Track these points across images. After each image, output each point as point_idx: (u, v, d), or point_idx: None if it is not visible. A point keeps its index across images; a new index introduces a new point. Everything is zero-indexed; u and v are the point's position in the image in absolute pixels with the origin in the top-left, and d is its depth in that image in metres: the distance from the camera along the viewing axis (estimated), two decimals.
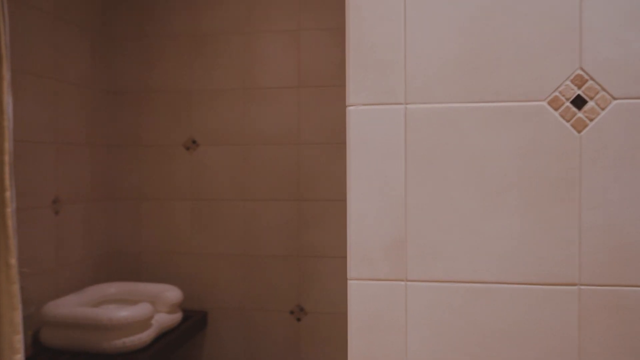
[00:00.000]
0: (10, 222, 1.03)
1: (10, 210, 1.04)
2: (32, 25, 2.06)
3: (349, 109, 0.81)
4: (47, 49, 2.14)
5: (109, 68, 2.59)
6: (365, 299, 0.82)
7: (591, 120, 0.74)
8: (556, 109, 0.75)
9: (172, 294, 2.24)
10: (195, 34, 2.55)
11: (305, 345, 2.52)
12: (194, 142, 2.57)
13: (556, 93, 0.75)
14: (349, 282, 0.82)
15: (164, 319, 2.15)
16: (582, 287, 0.75)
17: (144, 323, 1.99)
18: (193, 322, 2.36)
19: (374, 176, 0.81)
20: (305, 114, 2.50)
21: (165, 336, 2.14)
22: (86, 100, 2.41)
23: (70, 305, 2.01)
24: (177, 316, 2.24)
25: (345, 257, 2.48)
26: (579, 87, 0.74)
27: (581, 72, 0.74)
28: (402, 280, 0.81)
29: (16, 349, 1.10)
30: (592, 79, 0.74)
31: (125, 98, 2.60)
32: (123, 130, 2.61)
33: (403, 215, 0.81)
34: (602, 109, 0.74)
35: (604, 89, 0.74)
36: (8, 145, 1.04)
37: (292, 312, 2.52)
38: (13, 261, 1.03)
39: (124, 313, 1.93)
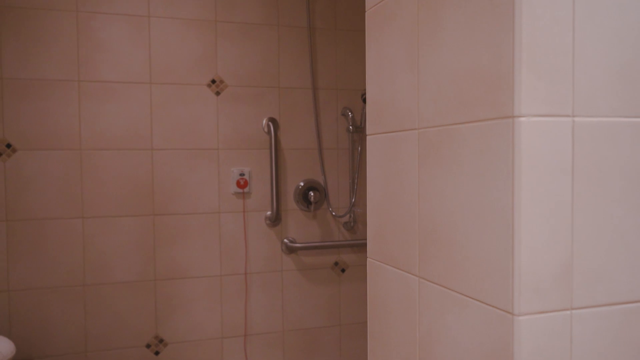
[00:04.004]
0: None
1: None
2: None
3: (520, 120, 0.71)
4: None
5: None
6: (536, 336, 0.72)
7: None
8: None
9: (2, 347, 1.69)
10: (2, 4, 1.98)
11: None
12: (8, 146, 2.00)
13: None
14: (517, 319, 0.72)
15: None
16: None
17: None
18: None
19: (544, 196, 0.72)
20: (158, 114, 2.16)
21: None
22: None
23: None
24: None
25: (210, 276, 2.22)
26: None
27: None
28: (567, 310, 0.74)
29: None
30: None
31: None
32: None
33: (570, 239, 0.74)
34: None
35: None
36: None
37: (148, 346, 2.15)
38: None
39: None
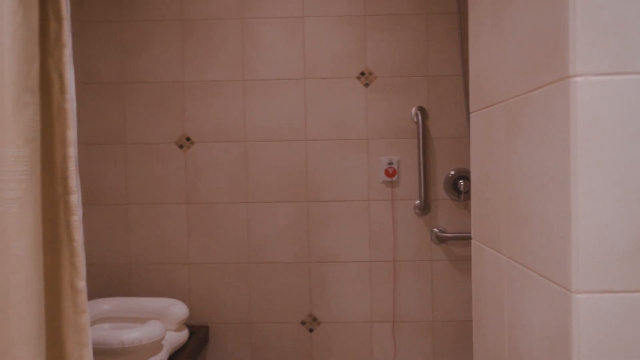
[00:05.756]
0: (78, 235, 0.78)
1: (76, 218, 0.79)
2: None
3: (575, 80, 0.65)
4: None
5: (83, 55, 2.28)
6: (601, 317, 0.66)
7: None
8: None
9: (178, 309, 1.99)
10: (184, 18, 2.30)
11: (318, 357, 2.32)
12: (188, 139, 2.32)
13: None
14: (574, 297, 0.66)
15: (173, 339, 1.90)
16: None
17: (157, 345, 1.74)
18: (197, 339, 2.12)
19: (608, 165, 0.65)
20: (312, 107, 2.31)
21: (172, 358, 1.89)
22: None
23: None
24: (184, 334, 1.99)
25: (359, 262, 2.31)
26: None
27: None
28: None
29: None
30: None
31: (105, 90, 2.30)
32: (104, 127, 2.31)
33: None
34: None
35: None
36: (72, 135, 0.79)
37: (303, 323, 2.32)
38: (82, 284, 0.78)
39: (135, 334, 1.67)
